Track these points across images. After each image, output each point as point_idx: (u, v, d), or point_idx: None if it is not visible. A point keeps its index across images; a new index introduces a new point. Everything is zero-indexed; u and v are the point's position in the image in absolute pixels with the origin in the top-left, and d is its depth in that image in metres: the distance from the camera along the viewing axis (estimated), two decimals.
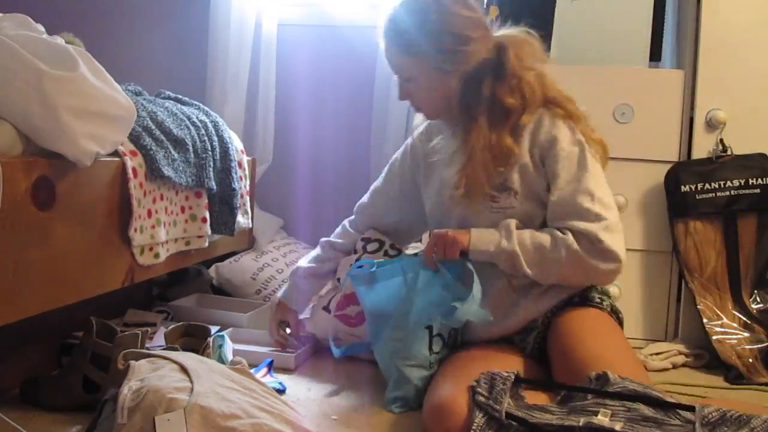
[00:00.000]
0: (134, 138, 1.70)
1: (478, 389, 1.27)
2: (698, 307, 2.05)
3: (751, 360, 1.91)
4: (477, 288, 1.55)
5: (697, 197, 2.10)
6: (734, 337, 1.98)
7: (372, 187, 1.98)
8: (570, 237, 1.54)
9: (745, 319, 2.03)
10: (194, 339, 1.72)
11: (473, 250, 1.59)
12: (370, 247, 1.99)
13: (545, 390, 1.36)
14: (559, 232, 1.56)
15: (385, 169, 1.95)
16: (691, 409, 1.18)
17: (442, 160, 1.74)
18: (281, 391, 1.67)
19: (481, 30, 1.64)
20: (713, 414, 1.17)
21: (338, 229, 2.03)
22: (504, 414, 1.19)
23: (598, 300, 1.62)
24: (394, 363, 1.62)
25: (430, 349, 1.62)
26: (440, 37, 1.60)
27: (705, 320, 2.03)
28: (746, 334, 1.98)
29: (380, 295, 1.70)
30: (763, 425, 1.15)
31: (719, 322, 2.03)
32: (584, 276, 1.58)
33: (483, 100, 1.61)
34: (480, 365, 1.41)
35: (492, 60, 1.63)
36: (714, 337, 1.99)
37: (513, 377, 1.30)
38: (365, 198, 1.99)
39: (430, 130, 1.84)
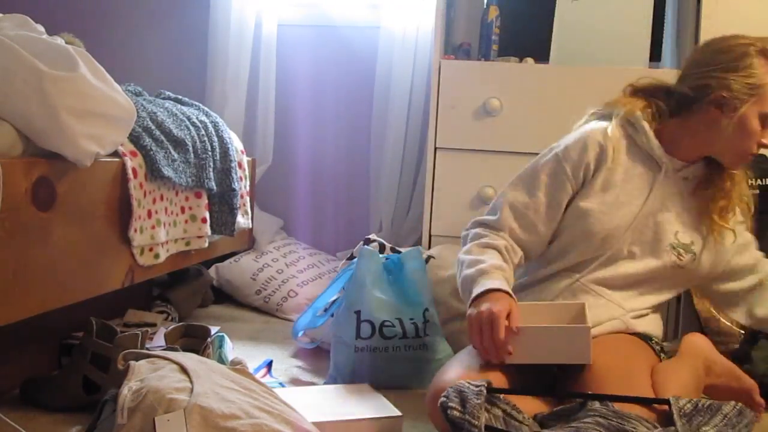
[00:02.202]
0: (134, 138, 1.70)
1: (450, 404, 1.18)
2: (696, 308, 2.05)
3: None
4: None
5: None
6: (731, 338, 1.98)
7: None
8: None
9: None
10: (194, 339, 1.72)
11: None
12: (371, 247, 2.00)
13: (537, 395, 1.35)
14: None
15: None
16: (666, 402, 1.23)
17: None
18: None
19: None
20: (687, 406, 1.23)
21: None
22: (484, 429, 1.14)
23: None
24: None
25: (358, 333, 1.71)
26: None
27: (702, 321, 2.03)
28: (743, 335, 1.98)
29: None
30: (734, 410, 1.23)
31: (716, 323, 2.03)
32: None
33: None
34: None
35: None
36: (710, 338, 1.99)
37: (485, 389, 1.21)
38: None
39: None
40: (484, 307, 1.37)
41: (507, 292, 1.41)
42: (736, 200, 1.60)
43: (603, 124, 1.59)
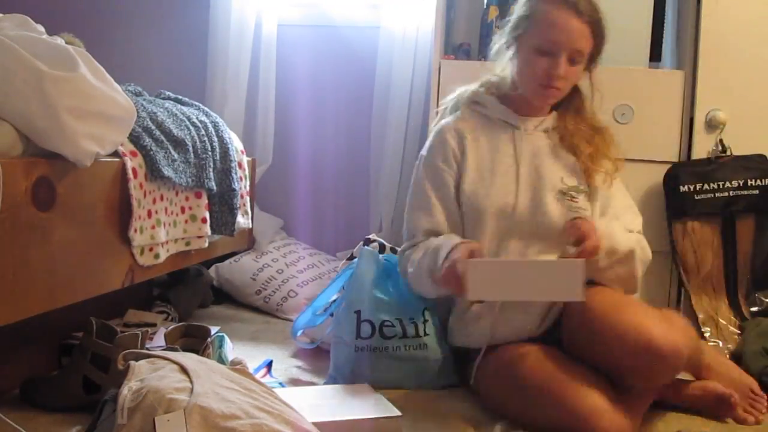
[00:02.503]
0: (134, 138, 1.70)
1: None
2: (694, 308, 2.06)
3: None
4: None
5: (696, 198, 2.10)
6: (728, 338, 1.99)
7: None
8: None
9: (739, 321, 2.03)
10: (194, 339, 1.72)
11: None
12: (371, 248, 2.00)
13: None
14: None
15: None
16: None
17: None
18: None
19: None
20: None
21: None
22: None
23: None
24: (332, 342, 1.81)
25: (358, 333, 1.72)
26: (604, 26, 1.64)
27: (700, 321, 2.03)
28: (739, 335, 1.99)
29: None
30: None
31: (714, 324, 2.03)
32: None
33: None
34: (557, 363, 1.48)
35: None
36: (708, 339, 1.99)
37: None
38: None
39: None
40: (446, 263, 1.50)
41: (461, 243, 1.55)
42: (603, 149, 1.70)
43: (453, 115, 1.77)
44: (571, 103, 1.74)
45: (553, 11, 1.60)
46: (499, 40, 1.73)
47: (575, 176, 1.68)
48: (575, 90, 1.73)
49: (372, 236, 2.20)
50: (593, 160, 1.68)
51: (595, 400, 1.38)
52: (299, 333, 2.00)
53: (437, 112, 1.87)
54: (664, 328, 1.40)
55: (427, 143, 1.77)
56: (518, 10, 1.68)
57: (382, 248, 2.07)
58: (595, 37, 1.62)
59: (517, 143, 1.70)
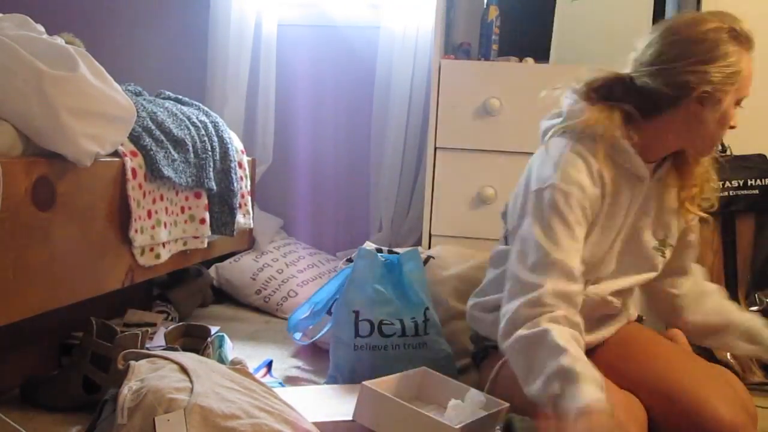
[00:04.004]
0: (134, 138, 1.70)
1: None
2: None
3: (745, 359, 1.91)
4: None
5: None
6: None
7: None
8: None
9: None
10: (194, 339, 1.72)
11: None
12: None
13: None
14: None
15: None
16: None
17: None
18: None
19: None
20: None
21: None
22: None
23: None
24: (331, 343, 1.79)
25: (357, 332, 1.71)
26: None
27: None
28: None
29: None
30: None
31: None
32: None
33: None
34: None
35: None
36: None
37: None
38: None
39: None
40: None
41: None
42: (704, 184, 1.52)
43: (581, 146, 1.40)
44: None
45: (747, 60, 1.38)
46: (661, 85, 1.37)
47: (663, 226, 1.51)
48: None
49: (367, 244, 2.15)
50: (692, 201, 1.50)
51: None
52: (300, 335, 2.00)
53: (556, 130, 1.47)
54: (730, 406, 1.31)
55: (559, 171, 1.37)
56: (721, 60, 1.36)
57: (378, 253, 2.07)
58: None
59: (634, 200, 1.45)
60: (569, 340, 1.23)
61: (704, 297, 1.60)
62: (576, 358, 1.19)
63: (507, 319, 1.30)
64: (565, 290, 1.30)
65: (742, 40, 1.38)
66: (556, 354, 1.20)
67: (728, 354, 1.92)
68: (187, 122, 1.93)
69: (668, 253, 1.52)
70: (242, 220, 2.20)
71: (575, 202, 1.35)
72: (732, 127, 1.42)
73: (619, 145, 1.41)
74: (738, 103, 1.41)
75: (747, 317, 1.55)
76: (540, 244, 1.32)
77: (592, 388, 1.16)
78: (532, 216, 1.36)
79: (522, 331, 1.26)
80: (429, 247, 2.21)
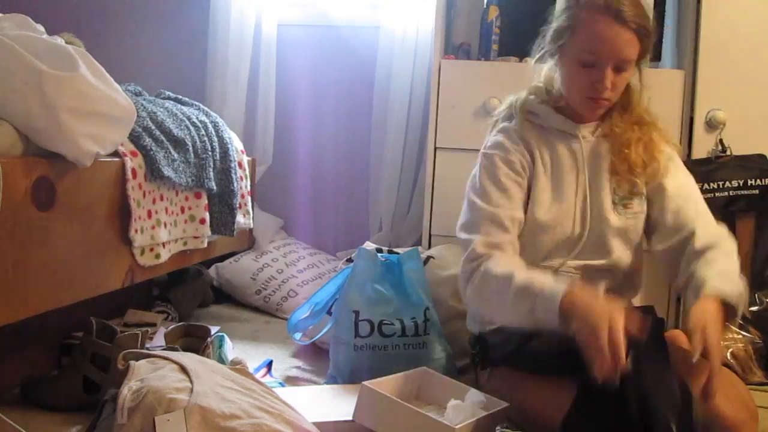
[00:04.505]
0: (134, 138, 1.70)
1: None
2: None
3: (746, 359, 1.91)
4: None
5: None
6: (729, 337, 1.99)
7: None
8: None
9: (740, 320, 2.03)
10: (194, 339, 1.72)
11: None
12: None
13: None
14: None
15: None
16: None
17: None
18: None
19: None
20: None
21: None
22: None
23: None
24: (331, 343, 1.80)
25: (357, 332, 1.72)
26: (652, 27, 1.47)
27: None
28: (741, 335, 1.99)
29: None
30: None
31: None
32: None
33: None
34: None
35: None
36: None
37: None
38: None
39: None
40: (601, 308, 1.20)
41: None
42: (655, 150, 1.54)
43: (505, 123, 1.60)
44: (618, 101, 1.56)
45: (595, 21, 1.43)
46: (539, 47, 1.56)
47: (630, 178, 1.54)
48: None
49: (366, 245, 2.15)
50: (648, 154, 1.54)
51: None
52: (300, 335, 2.00)
53: (496, 122, 1.65)
54: (732, 404, 1.29)
55: (485, 157, 1.55)
56: (558, 18, 1.50)
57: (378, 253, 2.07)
58: (642, 41, 1.45)
59: (577, 152, 1.54)
60: (509, 264, 1.37)
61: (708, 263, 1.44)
62: (525, 272, 1.33)
63: (460, 281, 1.45)
64: (495, 240, 1.43)
65: (590, 3, 1.45)
66: (506, 280, 1.32)
67: (728, 354, 1.93)
68: (187, 122, 1.93)
69: (636, 206, 1.53)
70: (242, 220, 2.20)
71: (499, 160, 1.51)
72: (602, 90, 1.45)
73: (534, 108, 1.57)
74: (614, 67, 1.44)
75: (709, 274, 1.39)
76: (473, 203, 1.49)
77: (553, 281, 1.28)
78: (470, 187, 1.53)
79: (470, 285, 1.41)
80: (429, 247, 2.21)
